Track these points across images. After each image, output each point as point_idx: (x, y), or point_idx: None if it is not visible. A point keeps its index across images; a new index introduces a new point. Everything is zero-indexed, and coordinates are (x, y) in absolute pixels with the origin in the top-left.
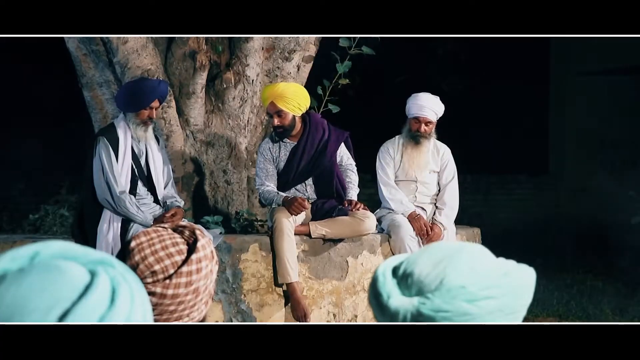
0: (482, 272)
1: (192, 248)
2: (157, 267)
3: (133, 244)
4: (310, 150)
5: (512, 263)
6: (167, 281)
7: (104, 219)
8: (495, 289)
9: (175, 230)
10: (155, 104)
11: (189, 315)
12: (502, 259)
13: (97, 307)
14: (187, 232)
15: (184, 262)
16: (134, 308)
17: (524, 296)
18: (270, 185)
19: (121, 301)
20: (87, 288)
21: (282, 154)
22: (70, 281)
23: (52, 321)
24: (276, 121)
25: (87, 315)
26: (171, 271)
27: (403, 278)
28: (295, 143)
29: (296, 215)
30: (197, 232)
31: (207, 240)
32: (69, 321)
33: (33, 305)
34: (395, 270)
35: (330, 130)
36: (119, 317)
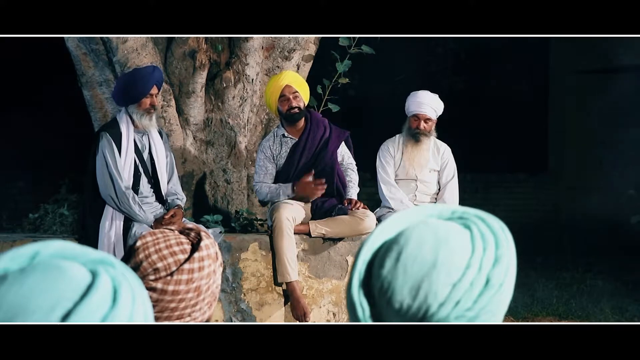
0: (462, 285)
1: (196, 248)
2: (159, 265)
3: (139, 243)
4: (311, 147)
5: (489, 253)
6: (169, 277)
7: (105, 217)
8: (481, 300)
9: (181, 232)
10: (154, 90)
11: (190, 314)
12: (478, 242)
13: (100, 307)
14: (192, 234)
15: (187, 260)
16: (135, 308)
17: (509, 291)
18: (268, 183)
19: (123, 301)
20: (89, 288)
21: (283, 151)
22: (72, 281)
23: (54, 321)
24: (294, 102)
25: (90, 315)
26: (173, 268)
27: (382, 299)
28: (297, 139)
29: (315, 198)
30: (202, 233)
31: (211, 242)
32: (72, 321)
33: (35, 305)
34: (366, 283)
35: (331, 128)
36: (121, 317)
